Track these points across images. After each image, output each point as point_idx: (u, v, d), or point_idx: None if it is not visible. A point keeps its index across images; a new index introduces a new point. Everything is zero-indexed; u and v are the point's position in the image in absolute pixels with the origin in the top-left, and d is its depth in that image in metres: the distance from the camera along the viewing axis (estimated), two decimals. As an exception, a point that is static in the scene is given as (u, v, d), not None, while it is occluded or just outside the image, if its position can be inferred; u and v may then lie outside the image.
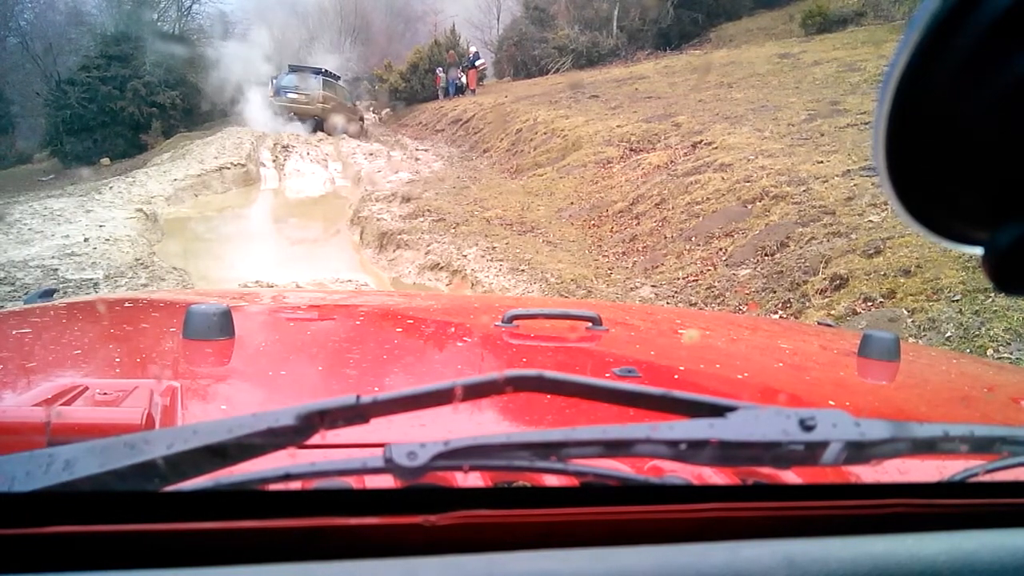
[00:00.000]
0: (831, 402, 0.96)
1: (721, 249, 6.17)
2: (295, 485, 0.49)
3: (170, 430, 0.46)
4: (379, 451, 0.45)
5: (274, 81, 18.90)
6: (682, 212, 7.15)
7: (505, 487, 0.58)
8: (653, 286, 6.05)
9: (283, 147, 14.85)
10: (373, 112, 23.77)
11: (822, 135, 7.97)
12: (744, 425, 0.48)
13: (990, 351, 3.60)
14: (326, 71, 19.26)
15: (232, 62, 20.30)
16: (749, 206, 6.52)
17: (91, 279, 6.50)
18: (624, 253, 7.13)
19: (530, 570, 0.42)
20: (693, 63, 15.32)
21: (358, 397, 0.47)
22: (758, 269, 5.53)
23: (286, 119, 17.46)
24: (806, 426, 0.48)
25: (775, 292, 5.09)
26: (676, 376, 1.08)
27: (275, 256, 8.69)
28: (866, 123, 7.90)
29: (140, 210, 9.83)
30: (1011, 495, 0.54)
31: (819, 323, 3.26)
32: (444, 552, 0.42)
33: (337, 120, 17.42)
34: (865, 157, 6.66)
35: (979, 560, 0.47)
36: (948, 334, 3.81)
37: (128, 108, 18.43)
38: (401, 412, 0.48)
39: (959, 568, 0.46)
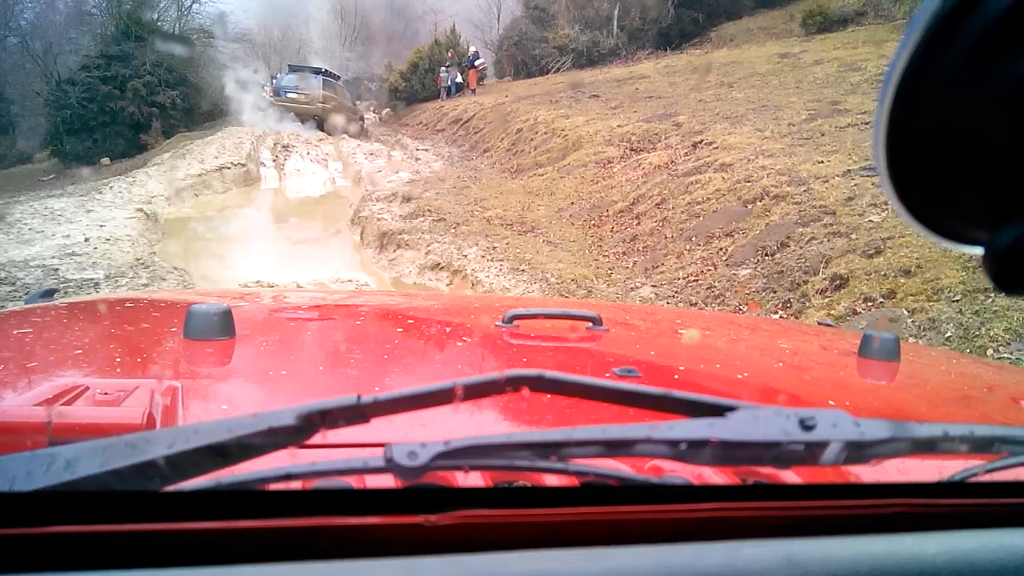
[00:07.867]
0: (831, 402, 0.96)
1: (721, 249, 6.17)
2: (296, 485, 0.49)
3: (171, 430, 0.46)
4: (380, 451, 0.45)
5: (274, 81, 18.90)
6: (682, 212, 7.15)
7: (505, 487, 0.58)
8: (653, 286, 6.05)
9: (283, 147, 14.82)
10: (373, 112, 23.77)
11: (823, 135, 7.97)
12: (744, 425, 0.48)
13: (990, 351, 3.60)
14: (326, 71, 19.24)
15: (232, 62, 20.30)
16: (749, 206, 6.52)
17: (92, 279, 6.50)
18: (624, 253, 7.13)
19: (530, 570, 0.42)
20: (693, 63, 15.31)
21: (359, 397, 0.47)
22: (758, 269, 5.53)
23: (286, 119, 17.46)
24: (806, 426, 0.48)
25: (775, 292, 5.09)
26: (676, 376, 1.08)
27: (276, 256, 8.68)
28: (866, 123, 7.90)
29: (140, 210, 9.83)
30: (1011, 495, 0.53)
31: (819, 323, 3.26)
32: (444, 552, 0.42)
33: (337, 120, 17.40)
34: (865, 157, 6.66)
35: (979, 560, 0.47)
36: (948, 334, 3.81)
37: (128, 108, 18.40)
38: (402, 412, 0.48)
39: (959, 568, 0.46)
